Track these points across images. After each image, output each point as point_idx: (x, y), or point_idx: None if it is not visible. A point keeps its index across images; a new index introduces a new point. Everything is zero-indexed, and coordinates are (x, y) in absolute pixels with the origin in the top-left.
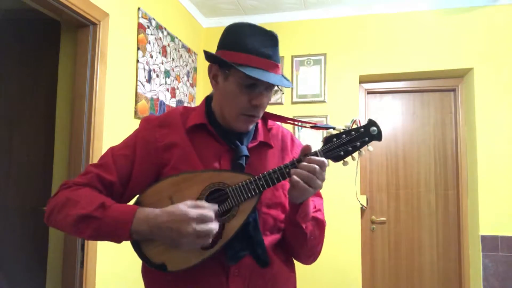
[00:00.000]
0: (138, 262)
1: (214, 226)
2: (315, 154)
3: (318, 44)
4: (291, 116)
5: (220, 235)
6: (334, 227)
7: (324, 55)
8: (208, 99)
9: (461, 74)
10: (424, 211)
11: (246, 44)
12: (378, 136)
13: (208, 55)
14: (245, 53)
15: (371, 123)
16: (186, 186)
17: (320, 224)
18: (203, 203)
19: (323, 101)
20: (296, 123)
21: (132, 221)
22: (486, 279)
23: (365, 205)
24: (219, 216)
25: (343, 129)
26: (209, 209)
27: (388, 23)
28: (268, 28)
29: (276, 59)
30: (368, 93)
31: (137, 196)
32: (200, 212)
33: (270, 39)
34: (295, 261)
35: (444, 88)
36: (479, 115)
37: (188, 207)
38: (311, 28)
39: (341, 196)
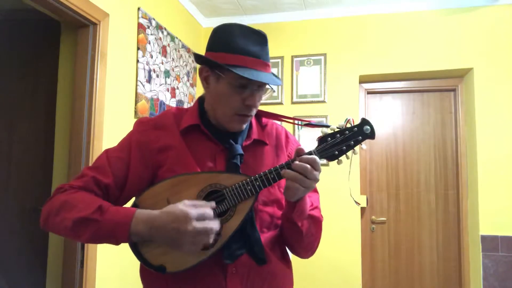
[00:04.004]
0: (138, 262)
1: (214, 224)
2: (310, 153)
3: (318, 44)
4: (291, 116)
5: (218, 235)
6: (334, 227)
7: (324, 55)
8: (201, 100)
9: (461, 74)
10: (424, 211)
11: (235, 45)
12: (371, 135)
13: (198, 58)
14: (235, 53)
15: (364, 122)
16: (183, 188)
17: (316, 222)
18: (201, 202)
19: (323, 101)
20: (289, 120)
21: (131, 223)
22: (486, 279)
23: (359, 202)
24: (217, 216)
25: (337, 128)
26: (207, 208)
27: (388, 23)
28: (268, 28)
29: (266, 58)
30: (368, 93)
31: (134, 198)
32: (199, 211)
33: (259, 38)
34: (294, 258)
35: (444, 88)
36: (479, 115)
37: (186, 206)
38: (311, 28)
39: (341, 196)
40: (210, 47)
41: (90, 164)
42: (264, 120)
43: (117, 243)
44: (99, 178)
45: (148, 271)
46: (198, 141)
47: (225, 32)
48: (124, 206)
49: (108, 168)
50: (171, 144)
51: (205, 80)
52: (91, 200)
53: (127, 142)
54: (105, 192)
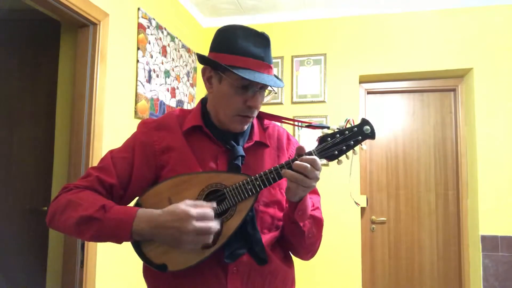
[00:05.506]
0: (138, 262)
1: (214, 224)
2: (310, 153)
3: (318, 44)
4: (291, 116)
5: (219, 234)
6: (334, 227)
7: (324, 55)
8: (203, 101)
9: (461, 74)
10: (424, 211)
11: (239, 46)
12: (371, 135)
13: (201, 58)
14: (238, 55)
15: (364, 122)
16: (184, 188)
17: (318, 222)
18: (202, 202)
19: (323, 101)
20: (290, 122)
21: (133, 222)
22: (486, 279)
23: (359, 203)
24: (217, 215)
25: (337, 129)
26: (208, 208)
27: (388, 23)
28: (268, 28)
29: (269, 60)
30: (368, 93)
31: (137, 198)
32: (200, 210)
33: (262, 40)
34: (294, 259)
35: (444, 88)
36: (479, 115)
37: (187, 206)
38: (311, 28)
39: (341, 196)
40: (213, 47)
41: (91, 164)
42: (266, 122)
43: (119, 241)
44: (104, 178)
45: (151, 270)
46: (201, 142)
47: (228, 33)
48: (128, 205)
49: (112, 168)
50: (174, 145)
51: (207, 81)
52: (95, 199)
53: (131, 143)
54: (109, 191)
